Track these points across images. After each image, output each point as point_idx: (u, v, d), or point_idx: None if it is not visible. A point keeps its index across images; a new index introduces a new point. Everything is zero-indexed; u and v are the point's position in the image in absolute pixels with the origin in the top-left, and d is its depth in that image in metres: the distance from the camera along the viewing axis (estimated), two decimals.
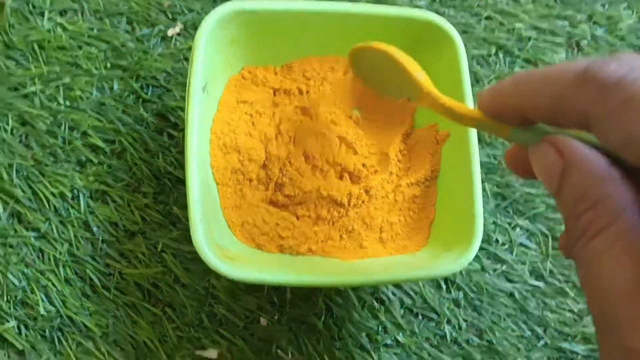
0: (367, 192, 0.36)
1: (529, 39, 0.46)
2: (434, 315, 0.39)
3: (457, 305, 0.39)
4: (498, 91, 0.23)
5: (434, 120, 0.38)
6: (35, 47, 0.39)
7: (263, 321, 0.37)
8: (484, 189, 0.41)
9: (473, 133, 0.35)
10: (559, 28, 0.47)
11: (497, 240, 0.41)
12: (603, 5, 0.48)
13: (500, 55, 0.45)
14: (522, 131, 0.23)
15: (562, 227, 0.41)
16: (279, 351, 0.36)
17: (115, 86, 0.40)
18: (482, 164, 0.42)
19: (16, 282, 0.35)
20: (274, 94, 0.38)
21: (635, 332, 0.18)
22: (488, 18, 0.46)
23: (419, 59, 0.38)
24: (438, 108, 0.29)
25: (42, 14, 0.40)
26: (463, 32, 0.45)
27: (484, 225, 0.40)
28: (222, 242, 0.33)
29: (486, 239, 0.40)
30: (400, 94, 0.32)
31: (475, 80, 0.44)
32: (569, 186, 0.21)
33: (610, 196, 0.20)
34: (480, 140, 0.42)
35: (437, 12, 0.44)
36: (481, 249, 0.40)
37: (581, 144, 0.21)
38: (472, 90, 0.43)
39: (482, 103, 0.24)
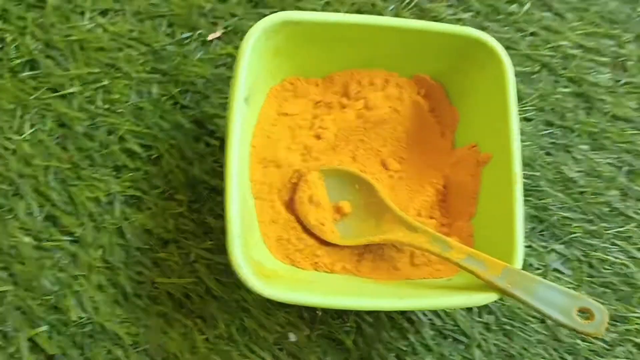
0: None
1: (574, 57, 0.45)
2: (464, 339, 0.38)
3: (488, 329, 0.38)
4: None
5: (473, 139, 0.37)
6: (76, 47, 0.39)
7: (293, 337, 0.36)
8: None
9: (517, 154, 0.34)
10: (605, 47, 0.45)
11: (531, 265, 0.40)
12: None
13: (544, 73, 0.44)
14: None
15: (599, 254, 0.40)
16: None
17: (154, 90, 0.39)
18: None
19: (49, 286, 0.35)
20: (315, 107, 0.38)
21: None
22: (533, 34, 0.45)
23: (465, 75, 0.37)
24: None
25: (82, 14, 0.40)
26: (507, 48, 0.43)
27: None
28: (257, 257, 0.33)
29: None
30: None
31: (517, 98, 0.43)
32: None
33: None
34: None
35: (481, 27, 0.43)
36: None
37: None
38: None
39: None
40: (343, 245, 0.36)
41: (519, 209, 0.33)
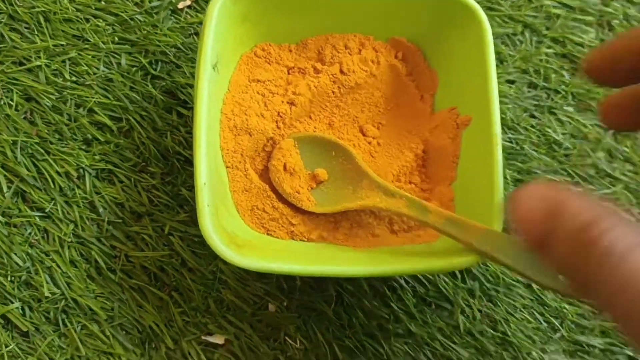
0: None
1: (558, 17, 0.43)
2: (447, 305, 0.37)
3: (472, 295, 0.38)
4: (604, 45, 0.25)
5: (453, 102, 0.36)
6: (41, 19, 0.38)
7: (271, 307, 0.36)
8: (503, 176, 0.40)
9: (496, 115, 0.33)
10: (590, 6, 0.44)
11: None
12: None
13: (527, 34, 0.43)
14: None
15: None
16: (287, 338, 0.35)
17: (123, 61, 0.38)
18: (504, 149, 0.40)
19: (20, 262, 0.34)
20: (288, 73, 0.37)
21: None
22: None
23: (443, 37, 0.36)
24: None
25: None
26: (488, 9, 0.43)
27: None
28: (230, 227, 0.32)
29: (504, 228, 0.39)
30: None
31: (500, 60, 0.42)
32: (567, 223, 0.20)
33: (616, 214, 0.19)
34: (502, 124, 0.40)
35: None
36: None
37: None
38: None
39: (590, 60, 0.26)
40: (319, 213, 0.35)
41: (500, 171, 0.32)
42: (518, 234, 0.22)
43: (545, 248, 0.21)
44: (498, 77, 0.41)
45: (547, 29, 0.43)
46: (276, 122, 0.35)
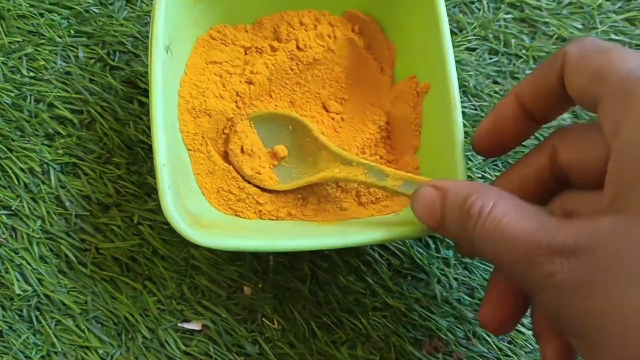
0: None
1: None
2: (423, 276, 0.37)
3: (447, 264, 0.38)
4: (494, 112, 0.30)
5: (412, 71, 0.36)
6: None
7: (247, 290, 0.36)
8: (470, 143, 0.40)
9: (453, 79, 0.33)
10: None
11: None
12: None
13: (484, 1, 0.43)
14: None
15: None
16: (264, 320, 0.35)
17: (81, 54, 0.38)
18: (468, 116, 0.40)
19: None
20: (245, 53, 0.37)
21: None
22: None
23: (396, 6, 0.36)
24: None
25: None
26: None
27: (472, 180, 0.39)
28: (196, 209, 0.32)
29: None
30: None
31: (459, 29, 0.42)
32: (451, 202, 0.26)
33: (489, 188, 0.26)
34: (465, 92, 0.41)
35: None
36: None
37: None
38: (454, 39, 0.41)
39: (481, 131, 0.31)
40: (286, 191, 0.35)
41: (460, 132, 0.32)
42: (421, 221, 0.28)
43: (442, 227, 0.27)
44: (458, 46, 0.41)
45: None
46: (235, 102, 0.35)
